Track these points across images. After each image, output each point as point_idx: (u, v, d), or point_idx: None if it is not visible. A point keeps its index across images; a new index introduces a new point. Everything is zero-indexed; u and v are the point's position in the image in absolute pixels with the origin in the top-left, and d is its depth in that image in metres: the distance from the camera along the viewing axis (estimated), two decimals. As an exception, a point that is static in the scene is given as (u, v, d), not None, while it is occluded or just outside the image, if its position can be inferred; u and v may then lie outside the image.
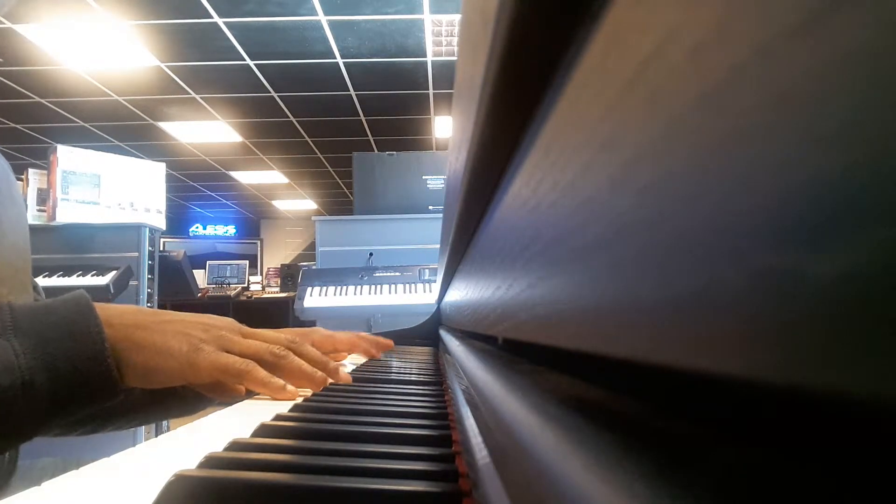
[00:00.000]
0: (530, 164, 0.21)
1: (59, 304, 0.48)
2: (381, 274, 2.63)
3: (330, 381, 0.62)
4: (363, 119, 4.98)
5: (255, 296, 5.50)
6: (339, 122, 5.07)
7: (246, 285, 5.91)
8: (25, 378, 0.42)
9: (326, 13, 3.31)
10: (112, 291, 2.20)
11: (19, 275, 0.69)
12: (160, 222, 2.62)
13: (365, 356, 0.91)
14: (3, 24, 3.31)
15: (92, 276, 2.23)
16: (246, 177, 6.93)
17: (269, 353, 0.57)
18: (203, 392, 0.61)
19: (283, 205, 8.57)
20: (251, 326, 0.62)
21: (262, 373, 0.55)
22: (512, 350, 0.35)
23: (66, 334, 0.45)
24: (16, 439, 0.43)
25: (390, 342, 0.96)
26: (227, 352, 0.55)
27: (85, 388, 0.45)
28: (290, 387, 0.57)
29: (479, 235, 0.42)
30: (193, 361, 0.52)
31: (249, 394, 0.62)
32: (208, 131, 5.28)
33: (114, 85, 4.25)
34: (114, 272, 2.24)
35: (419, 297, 2.52)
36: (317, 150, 5.89)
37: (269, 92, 4.40)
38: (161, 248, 2.61)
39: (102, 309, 0.49)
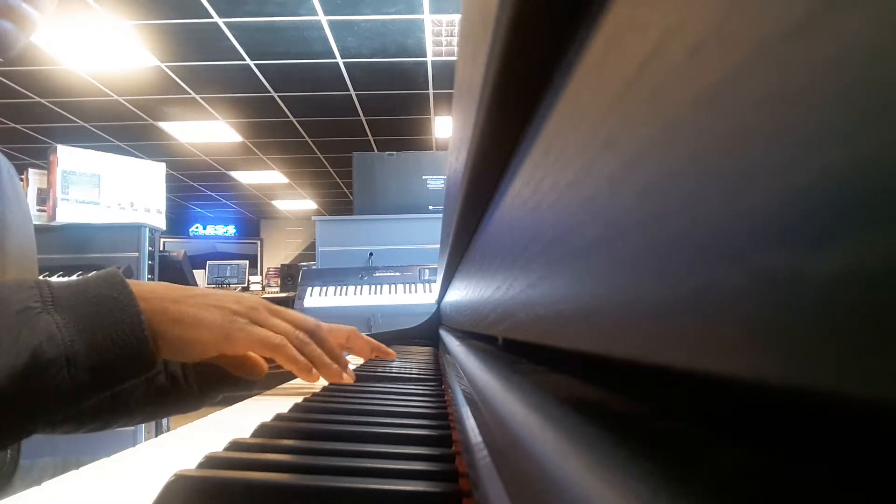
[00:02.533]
0: (530, 163, 0.21)
1: (93, 280, 0.48)
2: (381, 274, 2.63)
3: (344, 374, 0.63)
4: (363, 119, 4.98)
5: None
6: (339, 122, 5.07)
7: (246, 285, 5.92)
8: (68, 351, 0.43)
9: (326, 13, 3.31)
10: (112, 291, 2.19)
11: (26, 274, 0.69)
12: (160, 222, 2.62)
13: (359, 354, 0.90)
14: (3, 24, 3.30)
15: (92, 276, 2.23)
16: (246, 177, 6.93)
17: (295, 336, 0.59)
18: (225, 366, 0.62)
19: (283, 205, 8.57)
20: None
21: (292, 350, 0.57)
22: (512, 350, 0.35)
23: (104, 309, 0.46)
24: (58, 410, 0.44)
25: (391, 352, 0.93)
26: (259, 325, 0.56)
27: (123, 360, 0.46)
28: (315, 370, 0.59)
29: (479, 235, 0.42)
30: (229, 333, 0.53)
31: (261, 383, 0.63)
32: (208, 131, 5.28)
33: (114, 85, 4.25)
34: (114, 272, 2.24)
35: (419, 297, 2.52)
36: (317, 150, 5.89)
37: (269, 92, 4.40)
38: (161, 248, 2.61)
39: (134, 285, 0.50)
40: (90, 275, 0.49)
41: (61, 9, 3.18)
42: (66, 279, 0.48)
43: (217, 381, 0.70)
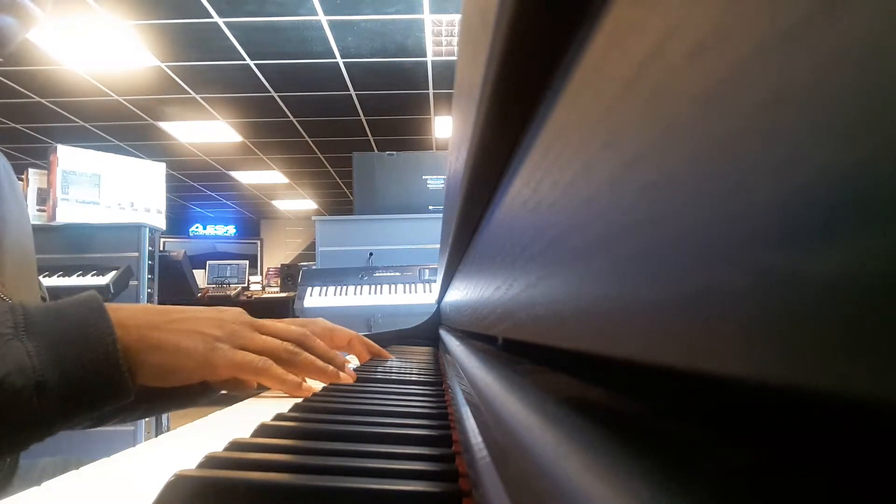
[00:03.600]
0: (530, 163, 0.21)
1: (70, 305, 0.47)
2: (381, 274, 2.63)
3: (341, 374, 0.63)
4: (363, 119, 4.98)
5: (255, 296, 5.50)
6: (339, 122, 5.07)
7: (246, 285, 5.92)
8: (38, 379, 0.42)
9: (326, 13, 3.31)
10: (112, 291, 2.20)
11: (25, 273, 0.69)
12: (160, 222, 2.62)
13: (357, 358, 0.90)
14: (3, 24, 3.30)
15: (92, 276, 2.23)
16: (246, 177, 6.93)
17: (283, 350, 0.57)
18: (216, 387, 0.61)
19: (283, 205, 8.57)
20: None
21: (278, 370, 0.56)
22: (512, 350, 0.35)
23: (78, 337, 0.45)
24: (28, 440, 0.43)
25: (387, 354, 0.94)
26: (243, 348, 0.55)
27: (96, 390, 0.45)
28: (306, 384, 0.58)
29: (479, 235, 0.42)
30: (210, 360, 0.52)
31: (261, 388, 0.62)
32: (208, 131, 5.28)
33: (114, 85, 4.25)
34: (114, 272, 2.24)
35: (419, 297, 2.52)
36: (317, 150, 5.89)
37: (269, 92, 4.40)
38: (161, 248, 2.61)
39: (114, 310, 0.49)
40: (69, 299, 0.48)
41: (61, 9, 3.18)
42: (43, 305, 0.48)
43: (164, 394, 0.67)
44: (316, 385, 0.63)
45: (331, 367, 0.61)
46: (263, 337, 0.58)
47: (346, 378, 0.63)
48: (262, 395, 0.67)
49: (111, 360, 0.46)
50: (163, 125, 5.12)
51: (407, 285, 2.59)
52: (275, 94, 4.45)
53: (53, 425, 0.43)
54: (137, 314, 0.51)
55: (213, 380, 0.55)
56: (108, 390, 0.46)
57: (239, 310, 0.59)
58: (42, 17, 0.62)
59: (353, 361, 0.85)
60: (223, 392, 0.69)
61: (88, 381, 0.45)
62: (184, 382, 0.53)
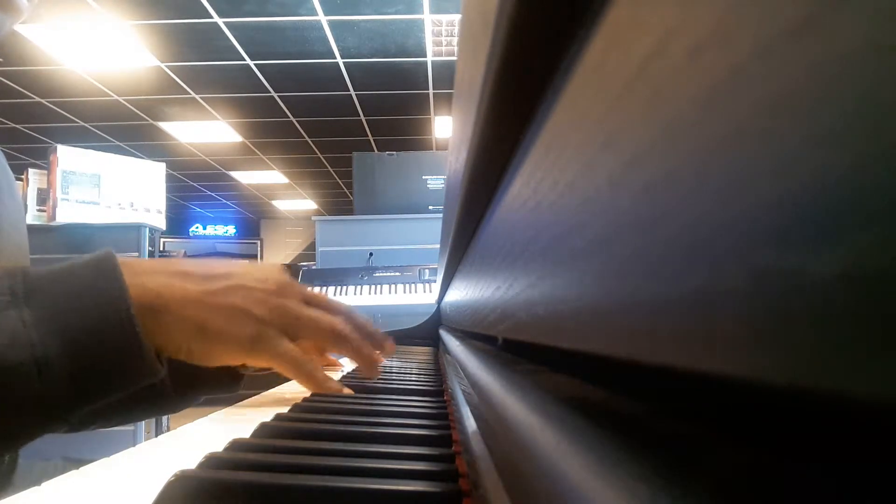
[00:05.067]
0: (530, 163, 0.21)
1: (79, 266, 0.41)
2: (381, 274, 2.63)
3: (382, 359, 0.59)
4: (363, 119, 4.98)
5: (255, 296, 5.49)
6: (339, 122, 5.07)
7: (246, 285, 5.90)
8: (38, 354, 0.36)
9: (326, 13, 3.31)
10: (112, 291, 2.20)
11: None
12: (160, 222, 2.62)
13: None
14: (3, 24, 3.31)
15: (92, 276, 2.23)
16: (246, 177, 6.93)
17: (332, 331, 0.53)
18: (248, 372, 0.59)
19: (283, 205, 8.57)
20: None
21: (319, 375, 0.53)
22: (512, 350, 0.35)
23: (85, 304, 0.39)
24: (38, 425, 0.37)
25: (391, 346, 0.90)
26: (290, 331, 0.51)
27: (111, 365, 0.39)
28: (346, 389, 0.54)
29: (479, 235, 0.42)
30: (256, 348, 0.48)
31: (253, 381, 0.61)
32: (208, 131, 5.28)
33: (114, 85, 4.25)
34: (114, 272, 2.24)
35: (419, 297, 2.52)
36: (317, 150, 5.89)
37: (269, 92, 4.40)
38: (161, 248, 2.61)
39: (142, 272, 0.43)
40: (79, 258, 0.42)
41: (61, 9, 3.18)
42: (52, 267, 0.41)
43: (194, 382, 0.64)
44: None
45: (375, 354, 0.57)
46: (312, 314, 0.52)
47: (388, 350, 0.59)
48: (261, 395, 0.67)
49: (126, 330, 0.39)
50: (163, 125, 5.12)
51: (407, 285, 2.59)
52: (275, 94, 4.45)
53: (67, 408, 0.38)
54: (173, 281, 0.45)
55: (253, 365, 0.51)
56: (126, 365, 0.40)
57: (278, 269, 0.54)
58: (28, 10, 0.61)
59: (345, 366, 0.84)
60: (202, 398, 0.66)
61: (100, 355, 0.38)
62: (220, 364, 0.48)
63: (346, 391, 0.55)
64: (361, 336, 0.56)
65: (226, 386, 0.64)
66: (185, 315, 0.45)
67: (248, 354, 0.48)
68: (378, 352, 0.59)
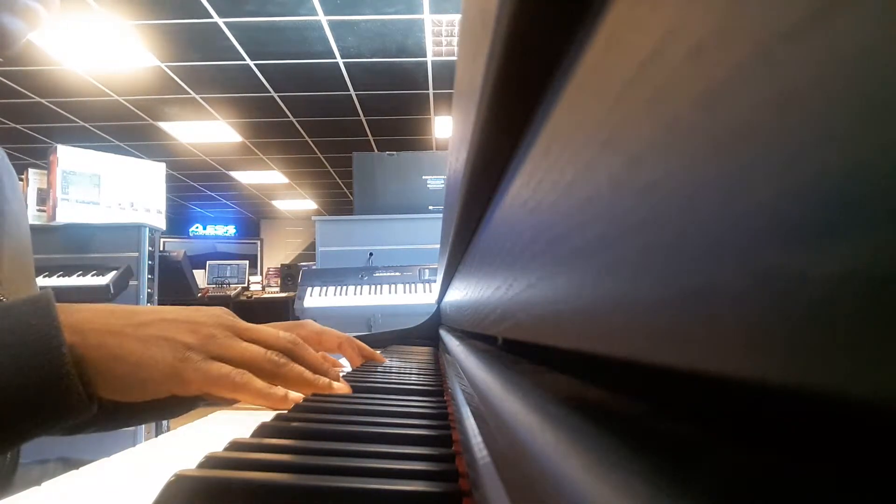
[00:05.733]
0: (530, 164, 0.21)
1: (17, 304, 0.42)
2: (381, 274, 2.63)
3: (334, 384, 0.57)
4: (363, 119, 4.98)
5: (255, 296, 5.51)
6: (339, 122, 5.07)
7: (246, 285, 5.92)
8: None
9: (326, 13, 3.31)
10: (112, 291, 2.20)
11: (23, 272, 0.69)
12: (160, 222, 2.62)
13: (350, 362, 0.87)
14: (3, 24, 3.31)
15: (92, 276, 2.23)
16: (246, 177, 6.94)
17: (266, 360, 0.51)
18: (188, 401, 0.55)
19: (283, 205, 8.57)
20: None
21: (258, 384, 0.49)
22: (512, 350, 0.35)
23: (17, 339, 0.39)
24: None
25: (381, 358, 0.88)
26: (220, 358, 0.48)
27: (44, 402, 0.39)
28: (291, 394, 0.52)
29: (479, 235, 0.42)
30: (180, 373, 0.46)
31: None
32: (208, 131, 5.28)
33: (114, 85, 4.25)
34: (114, 272, 2.25)
35: (419, 297, 2.52)
36: (317, 150, 5.89)
37: (269, 92, 4.40)
38: (161, 248, 2.61)
39: (71, 312, 0.43)
40: (19, 298, 0.43)
41: (62, 9, 3.18)
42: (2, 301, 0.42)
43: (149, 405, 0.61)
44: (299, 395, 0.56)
45: (322, 380, 0.55)
46: (244, 344, 0.51)
47: (341, 389, 0.56)
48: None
49: (56, 368, 0.40)
50: (163, 125, 5.12)
51: (407, 285, 2.59)
52: (275, 94, 4.45)
53: (2, 440, 0.38)
54: (98, 316, 0.45)
55: (182, 395, 0.48)
56: (57, 402, 0.40)
57: (221, 309, 0.52)
58: (47, 19, 0.62)
59: (345, 366, 0.84)
60: (202, 403, 0.61)
61: (32, 392, 0.39)
62: (149, 397, 0.46)
63: (297, 400, 0.51)
64: (311, 368, 0.54)
65: (164, 408, 0.60)
66: (103, 343, 0.44)
67: (173, 380, 0.46)
68: (334, 383, 0.56)
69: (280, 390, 0.51)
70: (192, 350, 0.47)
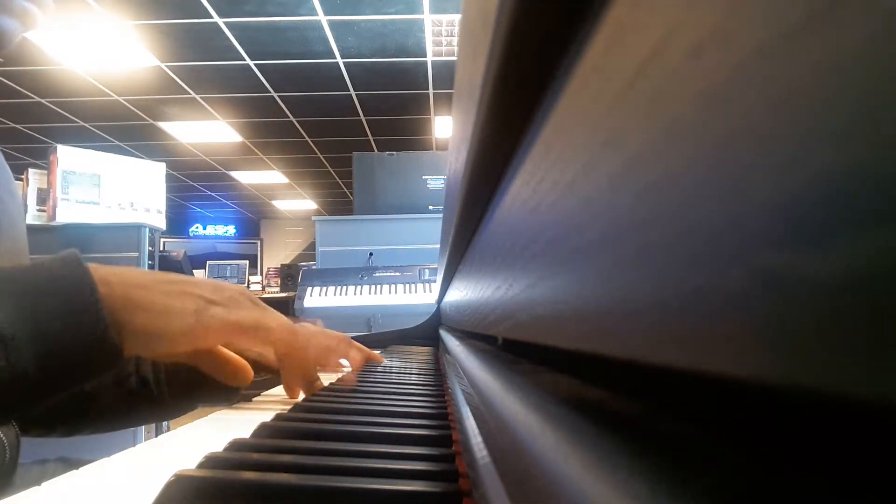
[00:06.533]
0: (530, 164, 0.21)
1: (46, 260, 0.42)
2: (381, 274, 2.63)
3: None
4: (363, 119, 4.98)
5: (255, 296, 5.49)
6: (339, 122, 5.07)
7: (246, 285, 5.92)
8: (5, 333, 0.36)
9: (326, 13, 3.31)
10: (112, 291, 2.20)
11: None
12: (160, 222, 2.62)
13: (350, 363, 0.87)
14: (3, 24, 3.30)
15: (92, 276, 2.23)
16: (246, 177, 6.93)
17: (288, 331, 0.52)
18: (207, 371, 0.55)
19: (283, 205, 8.57)
20: None
21: (279, 333, 0.51)
22: (512, 350, 0.35)
23: (52, 289, 0.40)
24: (5, 410, 0.38)
25: (380, 358, 0.89)
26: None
27: (78, 347, 0.40)
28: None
29: (479, 235, 0.42)
30: (202, 322, 0.47)
31: (254, 383, 0.58)
32: (208, 131, 5.28)
33: (114, 85, 4.25)
34: (114, 272, 2.24)
35: (419, 297, 2.52)
36: (317, 150, 5.89)
37: (269, 92, 4.40)
38: (161, 248, 2.61)
39: (96, 268, 0.44)
40: (45, 257, 0.43)
41: (61, 9, 3.18)
42: (16, 264, 0.43)
43: (192, 388, 0.64)
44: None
45: (319, 381, 0.57)
46: (261, 311, 0.52)
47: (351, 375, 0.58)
48: (261, 395, 0.67)
49: (92, 316, 0.40)
50: (163, 125, 5.12)
51: (407, 285, 2.59)
52: (275, 94, 4.45)
53: (32, 393, 0.38)
54: (123, 273, 0.46)
55: (203, 346, 0.49)
56: (95, 351, 0.40)
57: (243, 287, 0.54)
58: (42, 19, 0.62)
59: (345, 366, 0.84)
60: (196, 406, 0.65)
61: (67, 337, 0.39)
62: (170, 350, 0.47)
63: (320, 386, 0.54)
64: (317, 359, 0.57)
65: (223, 395, 0.64)
66: (129, 294, 0.45)
67: (196, 330, 0.46)
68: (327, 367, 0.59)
69: (302, 349, 0.53)
70: (214, 304, 0.48)
